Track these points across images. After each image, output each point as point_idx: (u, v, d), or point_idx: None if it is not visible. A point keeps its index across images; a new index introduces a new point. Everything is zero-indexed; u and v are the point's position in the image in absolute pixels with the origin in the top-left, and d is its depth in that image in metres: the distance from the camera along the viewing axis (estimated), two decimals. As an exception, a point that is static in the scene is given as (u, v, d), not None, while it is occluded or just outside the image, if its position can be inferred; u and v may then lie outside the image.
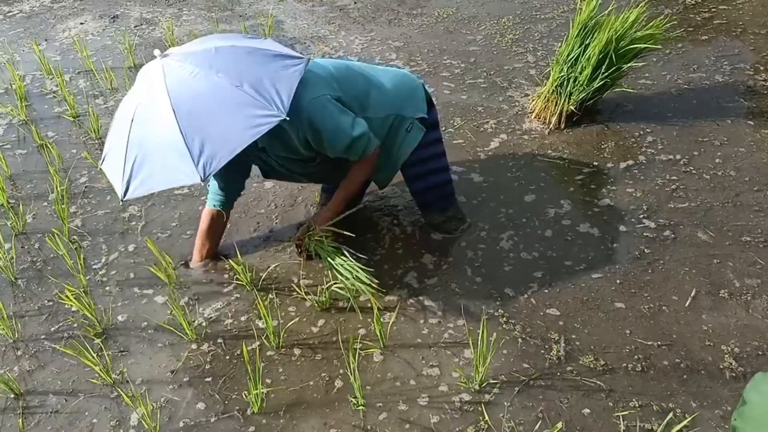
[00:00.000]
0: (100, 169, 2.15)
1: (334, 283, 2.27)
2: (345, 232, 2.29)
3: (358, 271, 2.22)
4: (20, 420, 2.03)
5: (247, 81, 1.95)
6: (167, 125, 1.90)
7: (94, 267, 2.57)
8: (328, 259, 2.28)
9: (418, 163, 2.43)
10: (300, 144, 2.19)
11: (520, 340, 2.15)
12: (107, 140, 2.16)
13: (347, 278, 2.23)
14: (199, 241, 2.54)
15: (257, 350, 2.17)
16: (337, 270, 2.26)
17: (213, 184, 2.44)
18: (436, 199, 2.54)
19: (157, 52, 2.06)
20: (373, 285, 2.21)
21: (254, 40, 2.22)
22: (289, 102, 1.94)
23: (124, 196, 1.97)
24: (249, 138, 1.91)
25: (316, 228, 2.32)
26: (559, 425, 1.87)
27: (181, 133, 1.88)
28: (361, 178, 2.37)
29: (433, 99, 3.33)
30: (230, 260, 2.48)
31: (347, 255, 2.26)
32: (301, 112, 2.08)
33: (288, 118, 1.92)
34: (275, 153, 2.26)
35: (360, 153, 2.24)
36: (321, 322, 2.27)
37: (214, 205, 2.45)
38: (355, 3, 4.61)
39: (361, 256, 2.33)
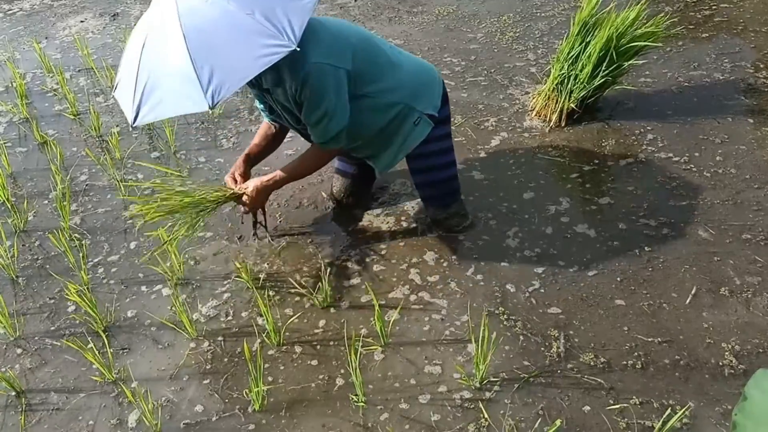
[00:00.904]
0: (113, 96, 2.15)
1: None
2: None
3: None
4: (21, 418, 2.04)
5: (259, 9, 1.93)
6: (178, 52, 1.88)
7: (95, 265, 2.58)
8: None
9: (422, 156, 2.41)
10: (290, 95, 2.15)
11: (520, 337, 2.15)
12: (119, 68, 2.14)
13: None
14: (246, 150, 2.52)
15: (258, 348, 2.17)
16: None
17: (264, 115, 2.46)
18: (440, 195, 2.53)
19: None
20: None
21: None
22: (301, 32, 1.91)
23: (135, 122, 1.97)
24: (259, 67, 1.90)
25: (246, 193, 2.34)
26: (559, 422, 1.87)
27: (191, 60, 1.86)
28: (308, 166, 2.37)
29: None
30: (228, 252, 2.48)
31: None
32: (302, 67, 2.05)
33: (299, 48, 1.88)
34: (277, 98, 2.24)
35: (320, 140, 2.23)
36: (322, 320, 2.27)
37: (273, 121, 2.47)
38: (355, 1, 4.61)
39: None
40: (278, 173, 2.36)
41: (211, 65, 1.86)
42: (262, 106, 2.46)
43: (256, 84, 2.22)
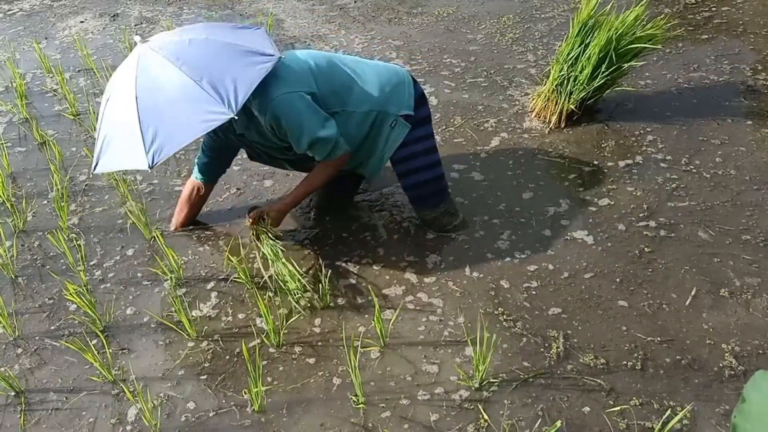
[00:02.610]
0: (94, 137, 2.27)
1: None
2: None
3: (293, 273, 2.32)
4: (21, 417, 2.04)
5: (208, 76, 2.03)
6: (130, 112, 2.04)
7: (94, 264, 2.58)
8: (270, 250, 2.37)
9: (405, 159, 2.43)
10: (271, 134, 2.26)
11: (520, 337, 2.15)
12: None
13: (283, 275, 2.34)
14: (178, 207, 2.70)
15: (257, 348, 2.17)
16: (273, 263, 2.36)
17: (200, 158, 2.55)
18: (428, 195, 2.54)
19: (137, 38, 2.16)
20: (307, 287, 2.34)
21: (236, 32, 2.27)
22: (243, 101, 2.01)
23: (94, 169, 2.15)
24: (197, 132, 2.03)
25: (267, 218, 2.41)
26: (559, 423, 1.87)
27: (139, 120, 2.01)
28: (322, 177, 2.41)
29: (434, 98, 3.37)
30: (227, 253, 2.48)
31: (283, 255, 2.37)
32: (267, 105, 2.15)
33: (236, 117, 1.99)
34: (252, 139, 2.34)
35: (324, 154, 2.28)
36: (321, 320, 2.27)
37: (197, 178, 2.58)
38: (355, 2, 4.61)
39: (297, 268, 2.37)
40: (296, 193, 2.44)
41: (156, 127, 2.00)
42: (205, 160, 2.53)
43: (230, 129, 2.33)
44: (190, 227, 2.70)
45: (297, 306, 2.30)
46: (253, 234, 2.54)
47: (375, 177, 2.54)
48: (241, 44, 2.16)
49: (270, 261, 2.37)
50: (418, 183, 2.49)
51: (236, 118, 1.99)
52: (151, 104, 2.03)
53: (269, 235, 2.40)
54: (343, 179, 2.68)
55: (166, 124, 2.02)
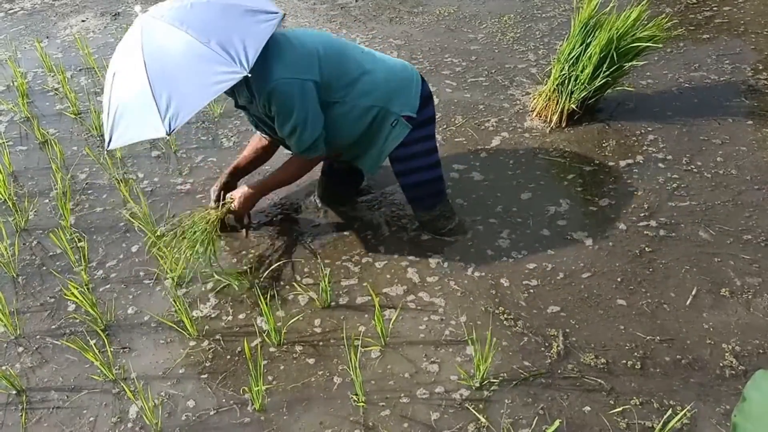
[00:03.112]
0: (101, 118, 2.25)
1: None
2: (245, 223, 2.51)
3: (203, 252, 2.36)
4: (22, 416, 2.04)
5: (215, 37, 2.01)
6: (141, 81, 1.99)
7: (95, 263, 2.58)
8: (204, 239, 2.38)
9: (404, 159, 2.42)
10: (262, 111, 2.24)
11: (520, 337, 2.15)
12: (104, 92, 2.25)
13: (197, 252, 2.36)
14: (235, 162, 2.63)
15: (258, 347, 2.17)
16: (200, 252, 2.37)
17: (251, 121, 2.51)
18: (424, 196, 2.53)
19: (137, 8, 2.14)
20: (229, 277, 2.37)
21: None
22: (255, 58, 1.99)
23: (108, 146, 2.09)
24: (213, 93, 2.00)
25: (232, 200, 2.42)
26: (559, 422, 1.87)
27: (151, 88, 1.97)
28: (292, 172, 2.42)
29: (435, 97, 3.37)
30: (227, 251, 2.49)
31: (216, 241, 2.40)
32: (266, 84, 2.12)
33: (250, 75, 1.96)
34: (255, 114, 2.32)
35: (300, 149, 2.28)
36: (322, 319, 2.27)
37: (264, 136, 2.54)
38: (356, 1, 4.61)
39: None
40: (263, 181, 2.46)
41: (169, 93, 1.97)
42: (251, 119, 2.49)
43: (234, 101, 2.32)
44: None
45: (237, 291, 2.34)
46: (209, 213, 2.45)
47: (373, 173, 2.53)
48: (242, 3, 2.13)
49: (194, 248, 2.36)
50: (415, 183, 2.49)
51: (249, 75, 1.96)
52: (161, 71, 1.99)
53: (223, 220, 2.42)
54: (346, 173, 2.68)
55: (180, 88, 1.98)
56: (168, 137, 2.04)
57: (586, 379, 2.01)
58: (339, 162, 2.61)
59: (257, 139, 2.60)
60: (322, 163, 2.70)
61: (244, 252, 2.56)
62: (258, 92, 2.16)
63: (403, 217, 2.68)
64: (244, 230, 2.56)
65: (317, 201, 2.78)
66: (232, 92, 2.24)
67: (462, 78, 3.56)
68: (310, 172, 2.52)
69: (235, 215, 2.48)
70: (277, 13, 2.12)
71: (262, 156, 2.64)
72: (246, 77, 1.97)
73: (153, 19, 2.07)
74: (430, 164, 2.47)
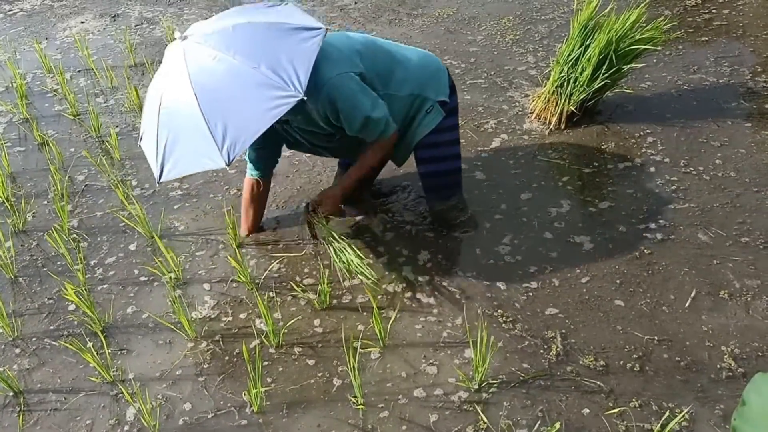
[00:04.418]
0: (139, 146, 2.20)
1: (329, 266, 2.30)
2: (351, 216, 2.46)
3: (355, 259, 2.25)
4: (19, 418, 2.03)
5: (265, 61, 1.96)
6: (191, 111, 1.94)
7: (93, 265, 2.58)
8: (331, 240, 2.30)
9: (430, 146, 2.41)
10: (320, 119, 2.20)
11: (519, 339, 2.15)
12: (142, 119, 2.19)
13: (344, 262, 2.26)
14: (243, 211, 2.64)
15: (257, 349, 2.17)
16: (336, 252, 2.29)
17: (249, 154, 2.48)
18: (442, 186, 2.53)
19: (177, 34, 2.06)
20: (370, 276, 2.24)
21: (272, 11, 2.21)
22: (307, 79, 1.94)
23: (160, 178, 2.03)
24: (269, 120, 1.94)
25: (322, 207, 2.34)
26: (558, 425, 1.87)
27: (204, 118, 1.92)
28: (374, 160, 2.36)
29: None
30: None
31: (346, 243, 2.28)
32: (321, 87, 2.08)
33: (306, 98, 1.92)
34: (298, 126, 2.28)
35: (376, 135, 2.24)
36: (321, 320, 2.27)
37: (252, 175, 2.52)
38: (355, 3, 4.62)
39: (359, 252, 2.32)
40: (349, 178, 2.36)
41: (224, 122, 1.92)
42: (254, 155, 2.47)
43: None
44: (263, 231, 2.67)
45: (373, 295, 2.26)
46: (307, 228, 2.45)
47: (403, 162, 2.49)
48: (283, 21, 2.10)
49: (339, 254, 2.28)
50: (435, 172, 2.48)
51: (305, 98, 1.93)
52: (214, 100, 1.95)
53: (325, 226, 2.32)
54: None
55: (234, 117, 1.94)
56: (227, 167, 2.00)
57: (584, 381, 2.01)
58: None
59: (250, 187, 2.56)
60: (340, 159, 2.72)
61: (243, 251, 2.56)
62: (316, 99, 2.10)
63: (403, 218, 2.68)
64: (314, 229, 2.48)
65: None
66: None
67: (461, 80, 3.56)
68: (309, 174, 2.51)
69: (323, 214, 2.37)
70: (320, 28, 2.09)
71: (263, 199, 2.65)
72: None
73: (197, 45, 2.00)
74: (452, 155, 2.48)
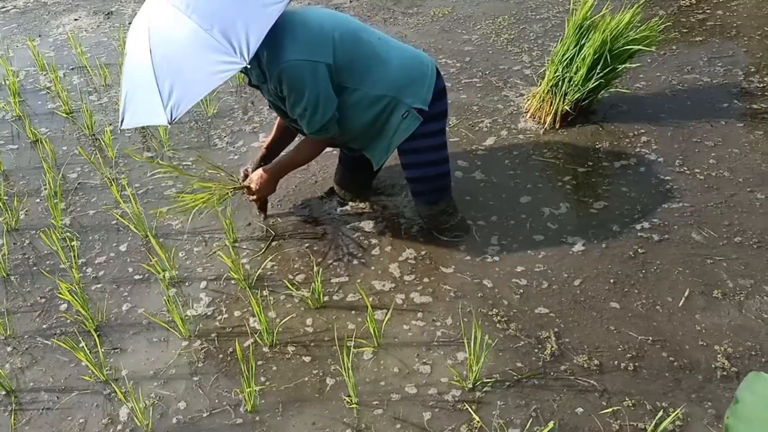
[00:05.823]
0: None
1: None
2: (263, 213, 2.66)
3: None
4: (11, 417, 2.02)
5: (219, 23, 1.98)
6: (146, 65, 2.01)
7: (86, 263, 2.56)
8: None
9: (414, 151, 2.40)
10: (273, 92, 2.23)
11: (513, 339, 2.15)
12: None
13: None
14: (264, 146, 2.66)
15: (251, 347, 2.17)
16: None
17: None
18: (428, 191, 2.51)
19: None
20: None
21: None
22: (257, 46, 1.95)
23: (121, 125, 2.14)
24: (211, 85, 2.00)
25: (251, 184, 2.48)
26: (552, 424, 1.87)
27: (155, 75, 1.98)
28: (304, 155, 2.45)
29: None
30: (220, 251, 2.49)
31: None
32: (278, 65, 2.11)
33: (248, 66, 1.94)
34: (268, 94, 2.32)
35: (308, 131, 2.28)
36: (314, 319, 2.27)
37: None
38: (350, 2, 4.61)
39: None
40: (278, 162, 2.48)
41: (171, 81, 1.99)
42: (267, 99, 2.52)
43: (248, 80, 2.32)
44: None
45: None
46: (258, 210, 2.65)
47: (380, 164, 2.47)
48: None
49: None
50: (420, 177, 2.47)
51: (248, 66, 1.94)
52: (165, 57, 2.00)
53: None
54: (365, 159, 2.66)
55: (181, 77, 1.99)
56: (170, 125, 2.05)
57: (578, 380, 2.01)
58: (348, 149, 2.61)
59: (281, 120, 2.59)
60: (341, 153, 2.74)
61: (237, 250, 2.55)
62: (269, 73, 2.14)
63: (397, 218, 2.67)
64: (261, 213, 2.67)
65: (336, 187, 2.80)
66: (245, 71, 2.22)
67: (456, 79, 3.56)
68: (304, 175, 2.51)
69: (255, 196, 2.52)
70: None
71: (289, 135, 2.65)
72: (258, 59, 1.95)
73: (164, 1, 2.04)
74: (438, 159, 2.45)
